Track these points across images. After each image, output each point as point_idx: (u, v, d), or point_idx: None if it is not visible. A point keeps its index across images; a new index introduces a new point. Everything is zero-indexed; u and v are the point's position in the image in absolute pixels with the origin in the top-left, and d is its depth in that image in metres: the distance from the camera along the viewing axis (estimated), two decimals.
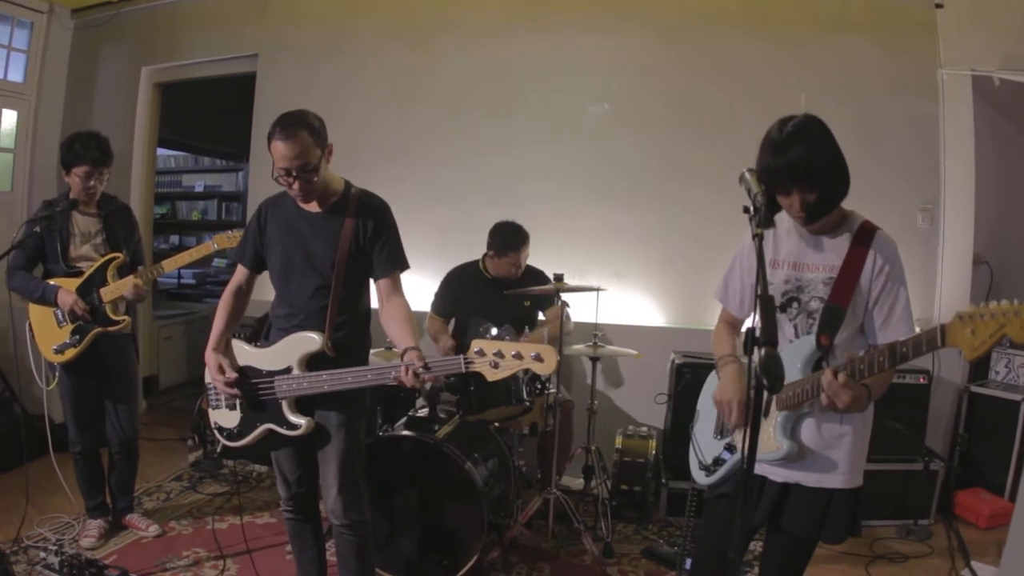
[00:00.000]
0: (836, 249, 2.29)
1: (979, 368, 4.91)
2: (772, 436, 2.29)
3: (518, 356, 2.54)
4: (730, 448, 2.49)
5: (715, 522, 2.55)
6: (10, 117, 6.14)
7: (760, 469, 2.33)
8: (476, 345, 2.59)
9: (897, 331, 2.19)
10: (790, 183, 2.15)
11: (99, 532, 4.00)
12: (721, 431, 2.55)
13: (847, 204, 2.31)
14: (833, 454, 2.30)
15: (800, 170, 2.12)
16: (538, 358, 2.54)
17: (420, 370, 2.62)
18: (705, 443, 2.60)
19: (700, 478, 2.59)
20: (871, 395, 2.17)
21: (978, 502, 4.50)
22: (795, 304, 2.33)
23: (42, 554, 3.62)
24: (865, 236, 2.27)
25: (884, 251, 2.25)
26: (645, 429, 4.77)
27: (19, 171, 6.22)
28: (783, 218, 2.36)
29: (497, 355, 2.56)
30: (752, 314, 2.48)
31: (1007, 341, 1.72)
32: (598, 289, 4.07)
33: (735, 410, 2.41)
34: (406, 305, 2.91)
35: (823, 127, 2.19)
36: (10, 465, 4.61)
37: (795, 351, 2.28)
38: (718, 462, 2.52)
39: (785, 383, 2.15)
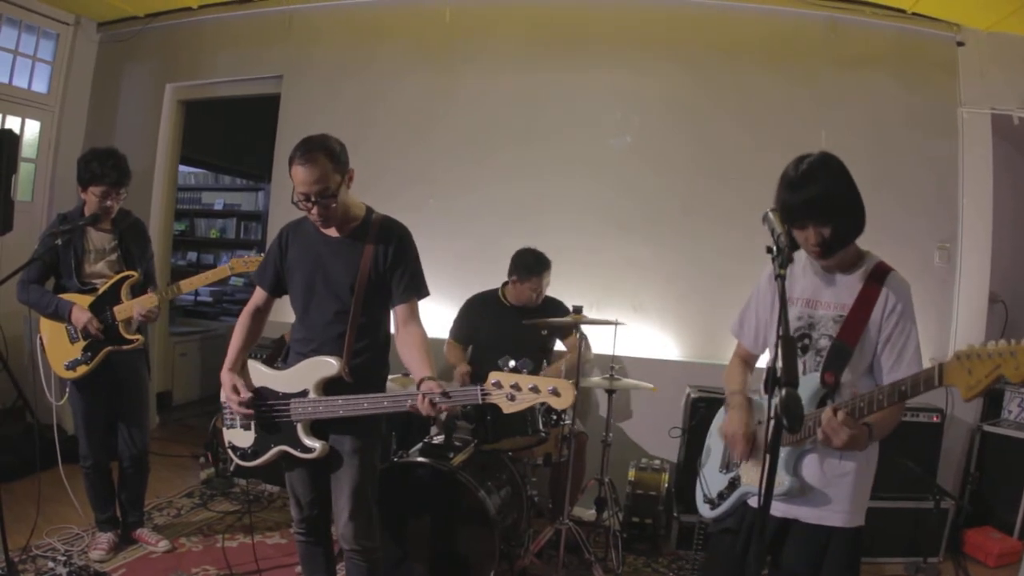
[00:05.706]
0: (849, 287, 2.32)
1: (991, 407, 4.88)
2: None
3: (535, 390, 2.53)
4: (734, 482, 2.50)
5: (719, 557, 2.59)
6: (33, 127, 6.19)
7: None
8: (493, 377, 2.58)
9: (906, 374, 2.17)
10: (806, 218, 2.19)
11: (108, 545, 4.00)
12: (727, 466, 2.56)
13: (865, 243, 2.33)
14: (833, 492, 2.30)
15: (816, 205, 2.16)
16: (555, 392, 2.53)
17: (438, 399, 2.60)
18: (711, 477, 2.62)
19: (705, 512, 2.62)
20: (872, 434, 2.19)
21: (987, 540, 4.47)
22: (806, 340, 2.35)
23: (51, 564, 3.64)
24: (879, 276, 2.30)
25: (897, 291, 2.27)
26: (658, 462, 4.75)
27: (40, 182, 6.26)
28: (799, 255, 2.38)
29: (514, 388, 2.55)
30: (768, 351, 2.51)
31: (1004, 382, 1.72)
32: (616, 323, 4.07)
33: (740, 443, 2.44)
34: (423, 333, 2.88)
35: (839, 164, 2.24)
36: (21, 474, 4.61)
37: (800, 388, 2.29)
38: (722, 496, 2.54)
39: None
